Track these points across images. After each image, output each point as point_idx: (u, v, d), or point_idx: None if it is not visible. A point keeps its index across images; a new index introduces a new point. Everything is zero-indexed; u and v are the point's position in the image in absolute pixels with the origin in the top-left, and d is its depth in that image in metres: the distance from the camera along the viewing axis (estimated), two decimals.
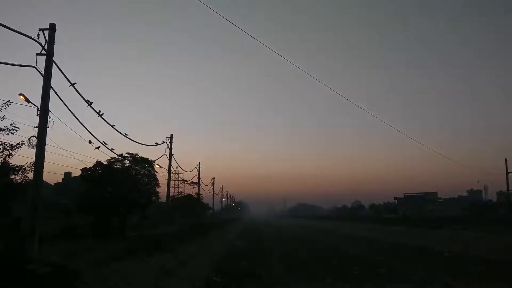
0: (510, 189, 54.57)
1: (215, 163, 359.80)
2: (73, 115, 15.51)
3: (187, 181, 54.80)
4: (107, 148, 20.23)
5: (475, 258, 17.61)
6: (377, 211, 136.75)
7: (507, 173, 53.54)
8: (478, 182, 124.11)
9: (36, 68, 13.53)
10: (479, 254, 18.75)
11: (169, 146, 35.77)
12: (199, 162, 57.41)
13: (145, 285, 10.40)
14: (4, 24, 12.13)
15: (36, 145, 13.67)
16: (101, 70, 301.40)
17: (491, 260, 16.76)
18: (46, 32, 13.70)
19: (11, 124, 15.86)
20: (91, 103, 16.28)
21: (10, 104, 15.30)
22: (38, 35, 13.44)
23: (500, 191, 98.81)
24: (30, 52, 14.94)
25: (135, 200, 25.69)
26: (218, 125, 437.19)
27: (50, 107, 13.82)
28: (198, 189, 58.26)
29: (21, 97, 13.91)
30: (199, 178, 57.10)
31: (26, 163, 17.46)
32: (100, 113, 17.32)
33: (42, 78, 13.67)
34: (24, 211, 14.44)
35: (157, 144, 31.74)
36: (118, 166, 26.45)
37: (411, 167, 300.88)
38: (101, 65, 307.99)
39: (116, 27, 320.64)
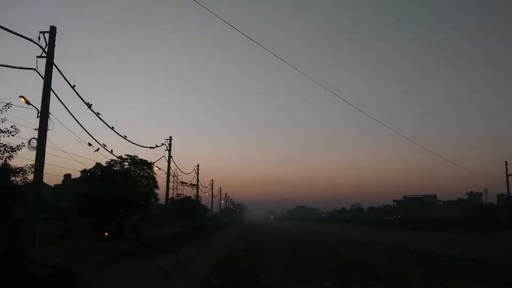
0: (510, 191, 54.49)
1: (214, 166, 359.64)
2: (73, 117, 15.56)
3: (186, 183, 54.69)
4: (107, 150, 20.27)
5: (475, 260, 17.65)
6: (377, 214, 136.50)
7: (507, 175, 53.45)
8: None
9: (36, 71, 13.61)
10: (479, 257, 18.79)
11: (168, 148, 35.81)
12: (198, 164, 57.43)
13: (145, 287, 10.43)
14: (5, 26, 12.22)
15: (36, 147, 13.72)
16: (101, 72, 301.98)
17: (491, 262, 16.80)
18: (47, 35, 13.79)
19: (11, 126, 15.89)
20: (91, 105, 16.36)
21: (10, 106, 15.32)
22: (39, 38, 13.53)
23: (500, 193, 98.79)
24: (31, 54, 15.01)
25: (134, 202, 25.68)
26: (218, 127, 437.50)
27: (50, 109, 13.90)
28: (197, 191, 58.14)
29: (22, 99, 13.95)
30: (197, 180, 57.04)
31: (26, 165, 17.43)
32: (99, 115, 17.39)
33: (42, 80, 13.74)
34: (24, 212, 14.48)
35: (156, 146, 31.80)
36: (117, 168, 26.44)
37: (410, 170, 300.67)
38: (100, 66, 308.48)
39: (116, 29, 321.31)
